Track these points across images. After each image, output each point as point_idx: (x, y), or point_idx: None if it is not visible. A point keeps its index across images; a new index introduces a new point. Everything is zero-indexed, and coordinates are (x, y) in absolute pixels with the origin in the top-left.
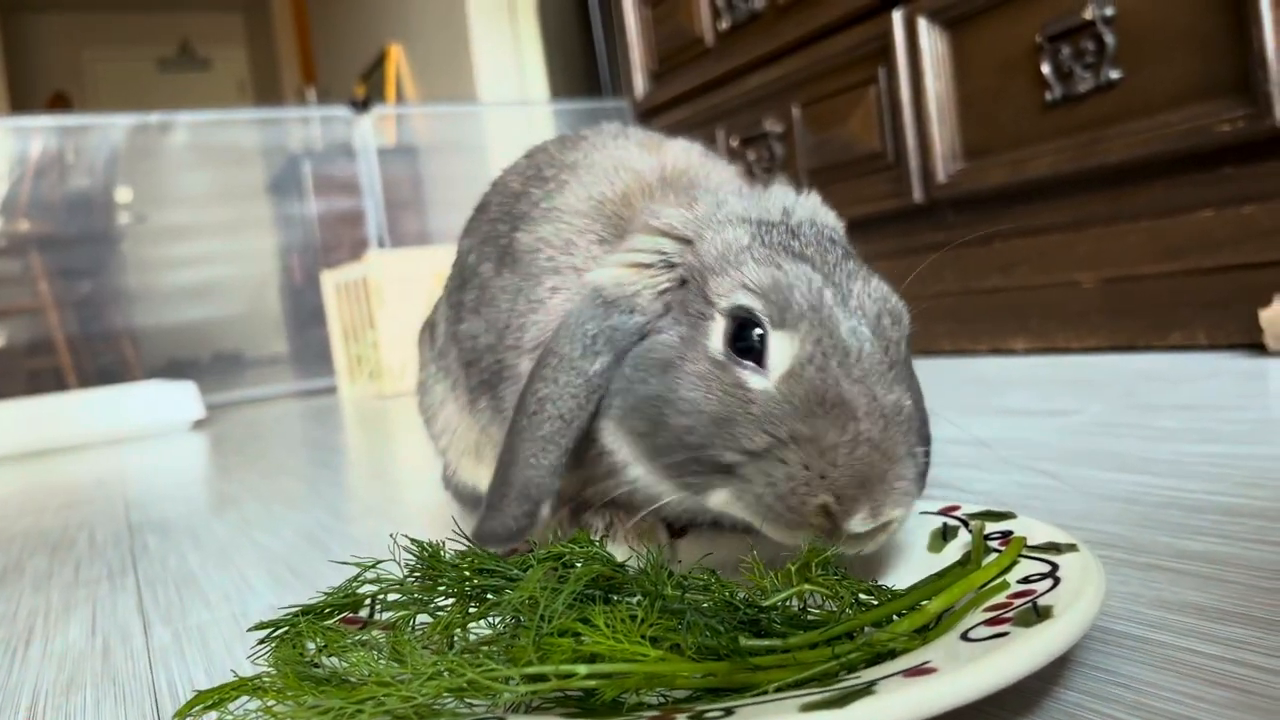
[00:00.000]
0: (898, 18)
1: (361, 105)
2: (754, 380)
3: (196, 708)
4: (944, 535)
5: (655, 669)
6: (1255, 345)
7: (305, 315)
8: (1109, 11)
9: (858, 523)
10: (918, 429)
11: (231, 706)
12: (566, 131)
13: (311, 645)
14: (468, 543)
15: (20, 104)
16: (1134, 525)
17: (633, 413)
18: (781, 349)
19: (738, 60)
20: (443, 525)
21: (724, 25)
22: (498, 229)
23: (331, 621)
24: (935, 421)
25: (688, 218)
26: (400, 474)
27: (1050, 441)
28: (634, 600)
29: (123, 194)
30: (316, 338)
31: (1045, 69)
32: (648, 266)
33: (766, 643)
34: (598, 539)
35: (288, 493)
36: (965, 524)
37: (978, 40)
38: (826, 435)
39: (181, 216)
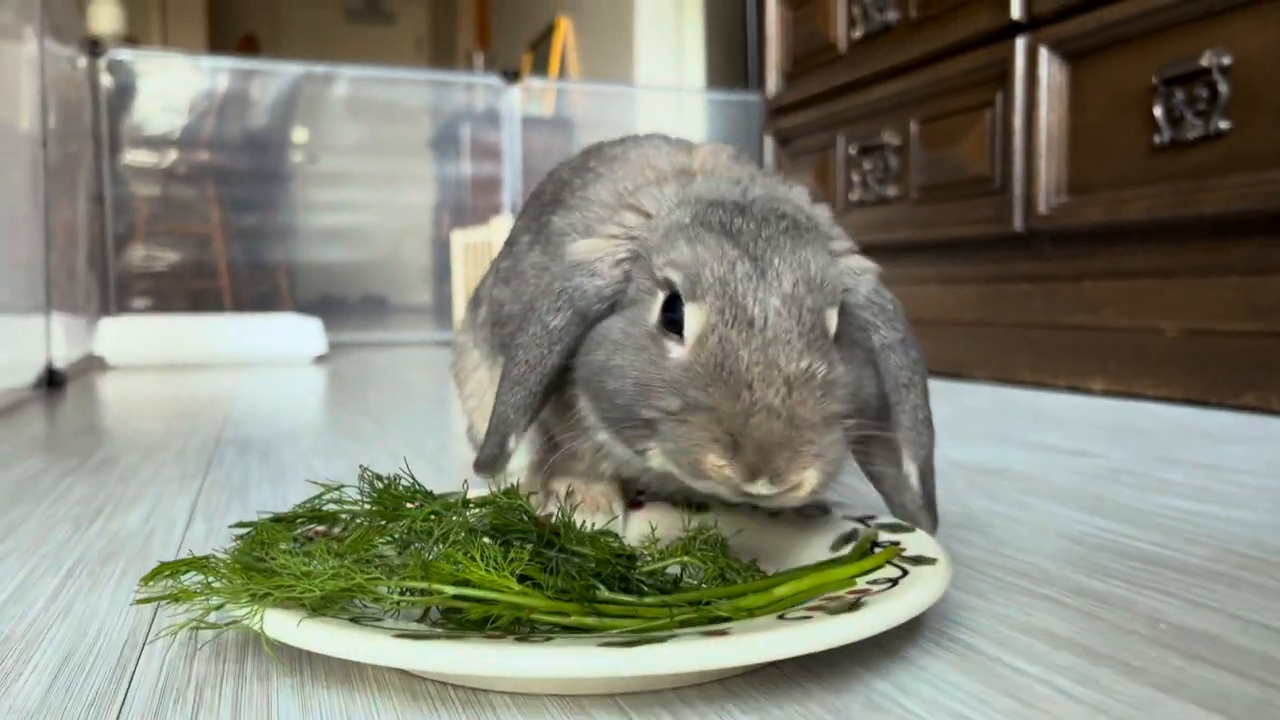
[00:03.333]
0: (1020, 45)
1: (512, 76)
2: (673, 349)
3: (160, 575)
4: (848, 538)
5: (513, 599)
6: None
7: (447, 270)
8: (1226, 60)
9: (761, 486)
10: (844, 395)
11: (186, 580)
12: (714, 119)
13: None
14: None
15: (217, 42)
16: (1061, 561)
17: (585, 381)
18: (693, 319)
19: (865, 70)
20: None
21: (857, 34)
22: (543, 211)
23: (300, 530)
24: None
25: (654, 195)
26: (462, 427)
27: (1052, 478)
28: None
29: (299, 133)
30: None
31: (1157, 111)
32: (614, 238)
33: (618, 596)
34: (562, 504)
35: (359, 429)
36: (864, 524)
37: (1095, 75)
38: (723, 404)
39: (347, 163)
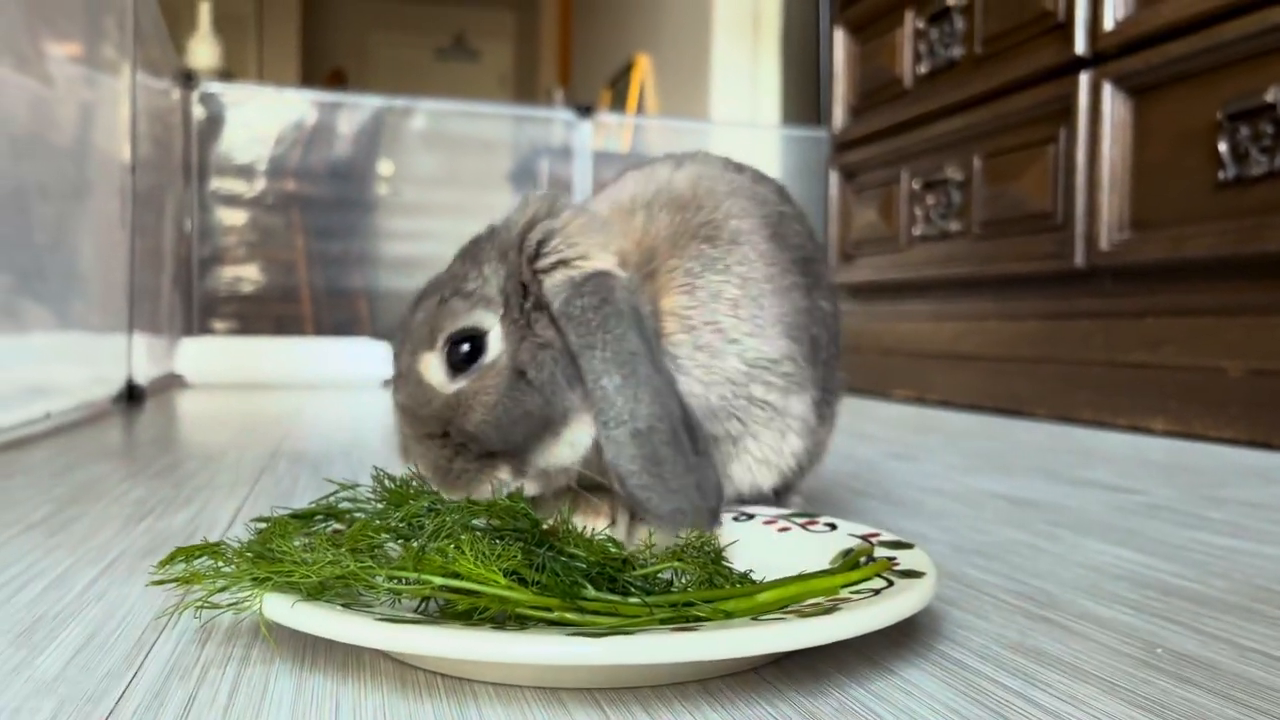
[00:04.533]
0: (1084, 80)
1: (585, 111)
2: None
3: (175, 560)
4: (847, 553)
5: (498, 592)
6: None
7: None
8: None
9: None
10: (438, 419)
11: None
12: (786, 155)
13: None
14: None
15: (309, 76)
16: (1072, 588)
17: None
18: None
19: (930, 105)
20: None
21: (923, 69)
22: None
23: (318, 527)
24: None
25: None
26: None
27: (1087, 512)
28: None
29: (386, 166)
30: None
31: (1222, 147)
32: None
33: (601, 594)
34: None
35: None
36: (866, 541)
37: (1159, 110)
38: None
39: (427, 194)
